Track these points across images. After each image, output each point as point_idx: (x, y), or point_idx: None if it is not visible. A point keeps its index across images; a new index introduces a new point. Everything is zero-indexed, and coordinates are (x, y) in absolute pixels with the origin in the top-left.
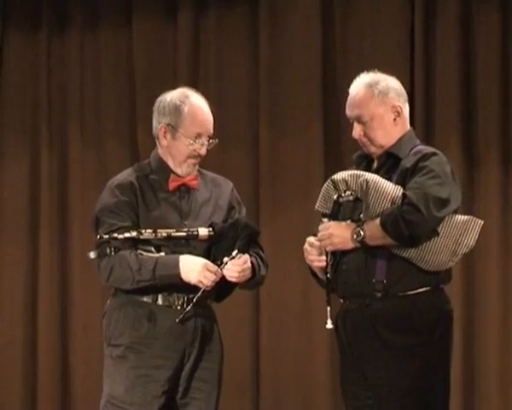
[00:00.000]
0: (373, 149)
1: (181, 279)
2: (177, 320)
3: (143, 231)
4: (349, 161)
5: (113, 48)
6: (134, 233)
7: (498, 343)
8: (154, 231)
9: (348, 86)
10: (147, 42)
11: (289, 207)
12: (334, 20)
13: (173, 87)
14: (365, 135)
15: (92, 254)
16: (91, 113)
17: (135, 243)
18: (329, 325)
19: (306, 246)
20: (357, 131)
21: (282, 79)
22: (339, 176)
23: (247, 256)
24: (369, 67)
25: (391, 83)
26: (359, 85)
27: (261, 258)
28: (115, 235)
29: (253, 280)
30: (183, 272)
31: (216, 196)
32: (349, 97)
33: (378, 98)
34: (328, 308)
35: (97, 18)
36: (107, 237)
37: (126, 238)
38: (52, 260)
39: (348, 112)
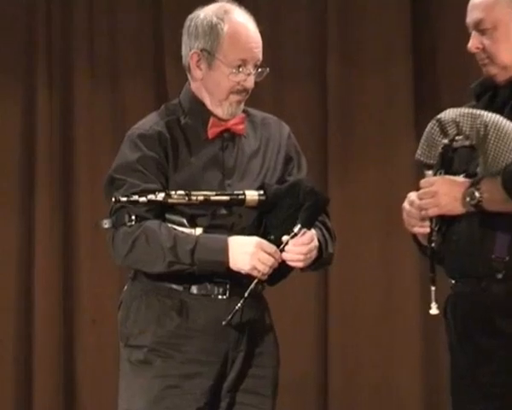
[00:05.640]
0: (493, 71)
1: (227, 268)
2: (223, 323)
3: (173, 193)
4: (445, 103)
5: None
6: (161, 196)
7: None
8: (188, 194)
9: (441, 15)
10: None
11: (365, 165)
12: None
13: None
14: (485, 49)
15: (106, 223)
16: (104, 42)
17: (161, 213)
18: (434, 311)
19: (406, 205)
20: (474, 42)
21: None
22: (447, 115)
23: (312, 232)
24: None
25: None
26: None
27: (328, 229)
28: (136, 198)
29: (319, 261)
30: (232, 258)
31: (267, 143)
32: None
33: (506, 2)
34: (433, 288)
35: None
36: (125, 199)
37: (150, 201)
38: (52, 231)
39: (467, 17)
